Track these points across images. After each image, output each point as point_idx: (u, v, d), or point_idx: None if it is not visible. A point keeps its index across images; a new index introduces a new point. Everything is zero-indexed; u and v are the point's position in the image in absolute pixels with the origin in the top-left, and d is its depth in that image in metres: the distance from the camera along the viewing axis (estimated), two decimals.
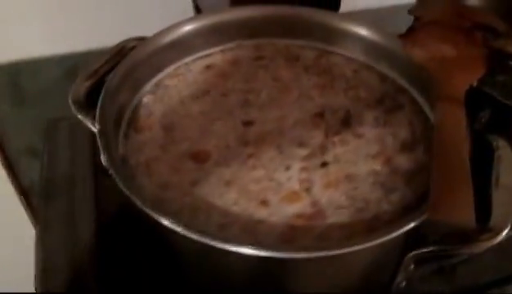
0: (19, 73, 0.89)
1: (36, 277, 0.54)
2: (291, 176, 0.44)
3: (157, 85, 0.54)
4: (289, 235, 0.39)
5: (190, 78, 0.55)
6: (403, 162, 0.45)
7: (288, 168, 0.44)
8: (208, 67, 0.57)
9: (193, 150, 0.47)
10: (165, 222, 0.35)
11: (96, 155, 0.65)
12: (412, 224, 0.36)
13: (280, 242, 0.39)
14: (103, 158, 0.41)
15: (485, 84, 0.51)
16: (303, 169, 0.44)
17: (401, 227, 0.36)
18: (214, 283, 0.43)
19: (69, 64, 0.89)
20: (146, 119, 0.50)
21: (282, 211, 0.41)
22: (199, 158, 0.46)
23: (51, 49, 0.88)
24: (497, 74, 0.59)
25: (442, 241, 0.39)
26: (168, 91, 0.54)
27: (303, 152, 0.46)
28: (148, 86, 0.53)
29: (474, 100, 0.49)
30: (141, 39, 0.53)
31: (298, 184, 0.43)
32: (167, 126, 0.49)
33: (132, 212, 0.42)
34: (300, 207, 0.41)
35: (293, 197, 0.42)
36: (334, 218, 0.41)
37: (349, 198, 0.42)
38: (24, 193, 1.07)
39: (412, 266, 0.43)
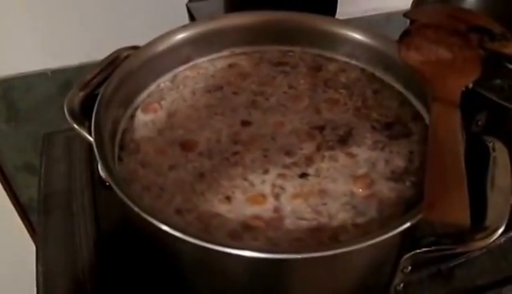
0: (12, 89, 0.91)
1: (37, 292, 0.56)
2: (266, 180, 0.46)
3: (175, 76, 0.58)
4: (239, 233, 0.41)
5: (210, 73, 0.58)
6: (385, 189, 0.46)
7: (266, 172, 0.46)
8: (230, 65, 0.60)
9: (184, 139, 0.50)
10: (164, 228, 0.37)
11: (93, 167, 0.68)
12: (408, 224, 0.37)
13: (227, 237, 0.41)
14: (100, 169, 0.43)
15: (482, 87, 0.53)
16: (281, 176, 0.46)
17: (397, 227, 0.37)
18: (210, 286, 0.44)
19: (62, 79, 0.91)
20: (155, 103, 0.54)
21: (242, 210, 0.43)
22: (186, 146, 0.49)
23: (43, 64, 0.90)
24: (495, 77, 0.61)
25: (438, 242, 0.41)
26: (185, 80, 0.57)
27: (287, 160, 0.48)
28: (142, 96, 0.55)
29: (471, 102, 0.51)
30: (135, 48, 0.55)
31: (269, 188, 0.45)
32: (170, 113, 0.53)
33: (130, 221, 0.44)
34: (262, 209, 0.43)
35: (258, 199, 0.44)
36: (291, 227, 0.42)
37: (314, 211, 0.43)
38: (22, 209, 1.08)
39: (409, 268, 0.44)
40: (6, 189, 1.03)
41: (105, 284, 0.55)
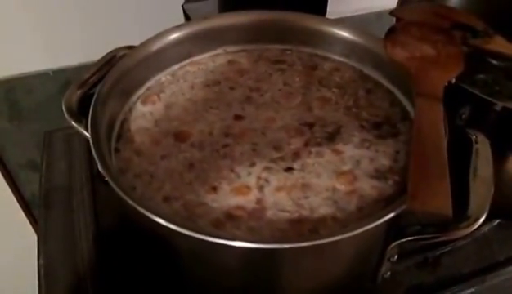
0: (14, 89, 0.91)
1: (39, 284, 0.57)
2: (252, 173, 0.46)
3: (176, 71, 0.58)
4: (222, 222, 0.42)
5: (209, 68, 0.59)
6: (367, 187, 0.46)
7: (253, 165, 0.46)
8: (230, 62, 0.60)
9: (178, 130, 0.50)
10: (160, 221, 0.37)
11: (92, 163, 0.68)
12: (392, 214, 0.38)
13: (210, 226, 0.41)
14: (97, 164, 0.43)
15: (466, 82, 0.53)
16: (266, 169, 0.46)
17: (382, 217, 0.37)
18: (207, 277, 0.44)
19: (63, 79, 0.91)
20: (155, 95, 0.55)
21: (226, 200, 0.43)
22: (179, 137, 0.50)
23: (45, 64, 0.90)
24: (478, 73, 0.61)
25: (423, 231, 0.41)
26: (185, 75, 0.58)
27: (275, 154, 0.48)
28: (141, 89, 0.56)
29: (456, 96, 0.51)
30: (130, 48, 0.55)
31: (254, 180, 0.45)
32: (168, 105, 0.54)
33: (123, 211, 0.45)
34: (245, 200, 0.44)
35: (243, 190, 0.44)
36: (272, 218, 0.42)
37: (296, 204, 0.43)
38: (26, 204, 1.08)
39: (396, 257, 0.45)
40: (9, 185, 1.03)
41: (103, 276, 0.55)
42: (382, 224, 0.38)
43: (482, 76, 0.61)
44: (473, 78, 0.58)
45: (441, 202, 0.37)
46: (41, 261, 0.58)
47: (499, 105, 0.51)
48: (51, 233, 0.61)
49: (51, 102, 0.94)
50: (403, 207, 0.38)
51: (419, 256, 0.58)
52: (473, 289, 0.56)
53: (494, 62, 0.62)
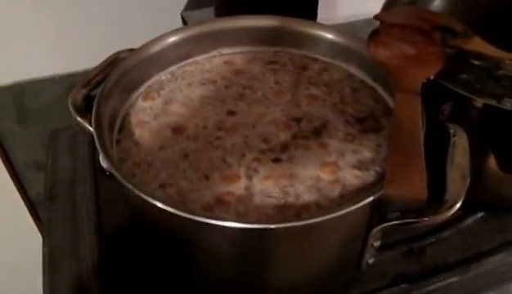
0: (23, 93, 0.92)
1: (43, 271, 0.59)
2: (242, 163, 0.48)
3: (175, 71, 0.61)
4: (211, 206, 0.44)
5: (206, 68, 0.61)
6: (350, 177, 0.47)
7: (243, 156, 0.48)
8: (226, 62, 0.62)
9: (176, 124, 0.52)
10: (159, 205, 0.39)
11: (94, 159, 0.71)
12: (371, 198, 0.39)
13: (200, 210, 0.43)
14: (100, 156, 0.45)
15: (449, 80, 0.54)
16: (256, 159, 0.48)
17: (361, 201, 0.39)
18: (198, 259, 0.47)
19: (69, 83, 0.91)
20: (155, 92, 0.57)
21: (217, 187, 0.45)
22: (176, 130, 0.52)
23: (51, 70, 0.92)
24: (461, 73, 0.63)
25: (403, 216, 0.42)
26: (184, 74, 0.60)
27: (264, 146, 0.49)
28: (143, 87, 0.58)
29: (439, 94, 0.54)
30: (132, 50, 0.57)
31: (244, 169, 0.47)
32: (167, 101, 0.56)
33: (128, 202, 0.47)
34: (234, 187, 0.45)
35: (233, 178, 0.46)
36: (259, 204, 0.44)
37: (282, 191, 0.45)
38: (31, 204, 1.09)
39: (378, 243, 0.46)
40: (16, 185, 1.05)
41: (105, 263, 0.58)
42: (362, 208, 0.40)
43: (464, 75, 0.62)
44: (456, 78, 0.59)
45: (416, 186, 0.39)
46: (45, 250, 0.60)
47: (479, 102, 0.53)
48: (56, 223, 0.63)
49: (58, 105, 0.95)
50: (381, 191, 0.39)
51: (404, 247, 0.60)
52: (457, 278, 0.58)
53: (476, 62, 0.64)
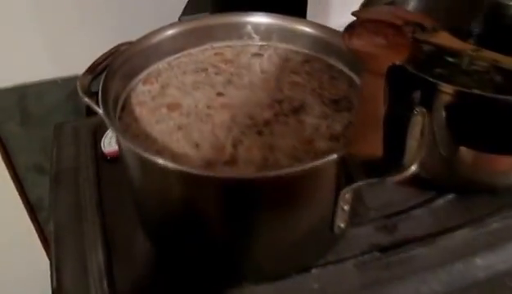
0: (25, 96, 1.01)
1: (51, 248, 0.67)
2: (229, 135, 0.58)
3: (171, 61, 0.72)
4: (202, 167, 0.54)
5: (199, 59, 0.72)
6: (322, 145, 0.57)
7: (230, 130, 0.58)
8: (216, 54, 0.73)
9: (171, 103, 0.63)
10: (160, 161, 0.48)
11: (96, 148, 0.81)
12: (335, 156, 0.49)
13: None
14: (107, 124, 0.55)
15: (424, 73, 0.63)
16: (242, 132, 0.58)
17: (326, 154, 0.49)
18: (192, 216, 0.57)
19: (71, 86, 1.01)
20: (153, 78, 0.68)
21: (205, 154, 0.55)
22: (171, 107, 0.62)
23: (54, 73, 1.01)
24: (436, 68, 0.74)
25: (367, 177, 0.51)
26: (180, 63, 0.71)
27: (249, 122, 0.60)
28: (143, 74, 0.69)
29: (413, 83, 0.64)
30: (131, 43, 0.68)
31: (230, 140, 0.57)
32: (163, 85, 0.66)
33: (127, 165, 0.57)
34: (221, 154, 0.55)
35: (220, 147, 0.56)
36: (242, 167, 0.54)
37: (263, 158, 0.55)
38: (31, 208, 1.18)
39: (348, 206, 0.56)
40: (17, 189, 1.13)
41: (106, 238, 0.67)
42: (329, 165, 0.50)
43: (439, 70, 0.74)
44: (431, 72, 0.70)
45: (373, 146, 0.48)
46: (51, 228, 0.69)
47: (449, 88, 0.62)
48: (60, 204, 0.72)
49: (60, 108, 1.04)
50: (344, 150, 0.49)
51: (378, 223, 0.70)
52: (425, 249, 0.66)
53: (451, 59, 0.76)
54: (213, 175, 0.50)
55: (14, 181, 1.12)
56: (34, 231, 1.23)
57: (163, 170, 0.50)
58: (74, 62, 0.90)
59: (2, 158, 1.08)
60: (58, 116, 1.05)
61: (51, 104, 1.05)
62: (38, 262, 1.24)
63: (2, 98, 1.01)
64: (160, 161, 0.48)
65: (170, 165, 0.49)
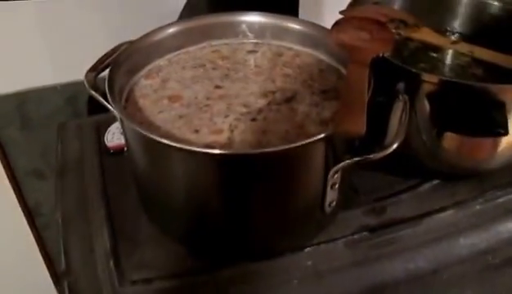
0: (25, 101, 1.06)
1: (60, 233, 0.74)
2: (225, 121, 0.65)
3: (171, 58, 0.79)
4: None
5: (197, 56, 0.80)
6: (313, 129, 0.64)
7: (227, 116, 0.66)
8: (214, 51, 0.81)
9: (172, 95, 0.71)
10: (165, 141, 0.56)
11: (100, 142, 0.87)
12: (322, 135, 0.56)
13: None
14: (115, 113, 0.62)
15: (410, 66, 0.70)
16: (237, 119, 0.65)
17: (316, 135, 0.56)
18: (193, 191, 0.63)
19: (70, 92, 1.07)
20: (154, 73, 0.75)
21: (205, 138, 0.62)
22: (172, 98, 0.70)
23: (53, 79, 1.05)
24: (421, 63, 0.82)
25: (353, 156, 0.59)
26: (179, 59, 0.79)
27: (244, 110, 0.67)
28: (145, 69, 0.76)
29: (398, 75, 0.70)
30: (131, 42, 0.75)
31: (227, 126, 0.64)
32: (164, 79, 0.74)
33: (131, 147, 0.64)
34: (218, 138, 0.62)
35: (218, 131, 0.63)
36: (238, 149, 0.61)
37: (257, 141, 0.61)
38: (29, 212, 1.22)
39: (336, 186, 0.63)
40: (16, 192, 1.17)
41: (111, 224, 0.73)
42: (318, 143, 0.56)
43: (423, 65, 0.81)
44: (415, 66, 0.76)
45: (357, 125, 0.54)
46: (58, 216, 0.76)
47: (427, 76, 0.69)
48: (67, 192, 0.79)
49: (59, 113, 1.09)
50: (332, 129, 0.56)
51: (367, 206, 0.77)
52: (411, 229, 0.73)
53: (434, 55, 0.84)
54: (212, 151, 0.57)
55: (13, 186, 1.16)
56: (32, 236, 1.27)
57: (167, 150, 0.57)
58: (74, 68, 0.92)
59: (2, 162, 1.12)
60: (57, 121, 1.05)
61: (51, 109, 1.09)
62: (36, 267, 1.30)
63: (3, 103, 1.05)
64: (165, 141, 0.56)
65: (175, 144, 0.56)
